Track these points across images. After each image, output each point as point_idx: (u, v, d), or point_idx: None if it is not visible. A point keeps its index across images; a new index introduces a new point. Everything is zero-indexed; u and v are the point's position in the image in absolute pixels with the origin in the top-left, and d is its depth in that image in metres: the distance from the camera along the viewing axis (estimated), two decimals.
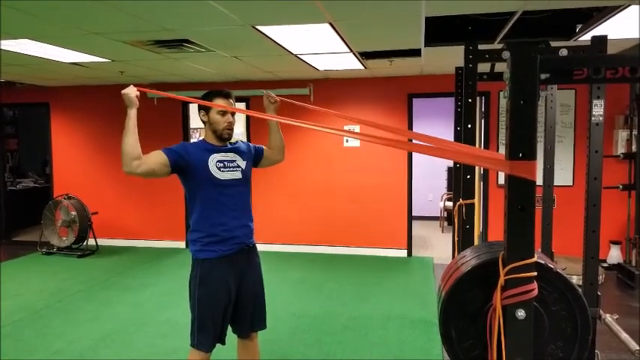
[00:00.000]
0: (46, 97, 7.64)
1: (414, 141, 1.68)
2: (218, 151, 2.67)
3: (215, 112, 2.63)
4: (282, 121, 2.09)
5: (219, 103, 2.63)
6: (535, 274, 1.24)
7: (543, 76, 1.24)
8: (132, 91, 2.45)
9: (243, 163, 2.75)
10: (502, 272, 1.25)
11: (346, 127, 6.76)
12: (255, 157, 2.90)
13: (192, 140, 7.68)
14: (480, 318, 1.38)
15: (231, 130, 2.68)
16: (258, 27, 3.65)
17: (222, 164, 2.65)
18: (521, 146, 1.21)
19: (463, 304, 1.40)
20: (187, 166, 2.58)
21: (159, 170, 2.51)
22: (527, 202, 1.22)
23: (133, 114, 2.44)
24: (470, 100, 2.87)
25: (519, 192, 1.23)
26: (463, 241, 3.02)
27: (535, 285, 1.24)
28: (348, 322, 4.37)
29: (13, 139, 9.59)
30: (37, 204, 7.60)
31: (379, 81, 6.67)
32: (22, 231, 8.38)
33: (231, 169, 2.68)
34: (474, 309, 1.39)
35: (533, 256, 1.24)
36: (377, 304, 4.87)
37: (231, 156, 2.70)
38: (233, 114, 2.68)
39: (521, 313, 1.24)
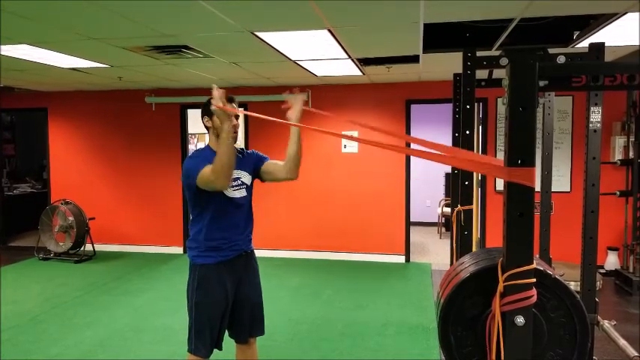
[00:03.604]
0: (44, 102, 7.63)
1: (412, 146, 1.68)
2: None
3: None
4: (299, 126, 2.01)
5: None
6: (534, 280, 1.24)
7: (542, 83, 1.25)
8: (221, 102, 2.33)
9: (247, 179, 2.73)
10: (501, 279, 1.25)
11: (344, 133, 6.76)
12: (254, 168, 2.78)
13: (190, 146, 7.67)
14: (479, 324, 1.38)
15: (235, 134, 2.65)
16: (257, 33, 3.66)
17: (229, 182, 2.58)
18: (520, 153, 1.21)
19: (462, 311, 1.40)
20: None
21: None
22: (526, 209, 1.23)
23: (227, 127, 2.36)
24: (468, 107, 2.88)
25: (518, 198, 1.23)
26: (461, 247, 3.02)
27: (534, 291, 1.24)
28: (345, 328, 4.36)
29: (11, 145, 9.57)
30: (34, 209, 7.58)
31: (377, 87, 6.69)
32: (19, 236, 8.35)
33: (236, 187, 2.66)
34: (472, 315, 1.39)
35: (532, 263, 1.24)
36: (375, 310, 4.86)
37: (236, 173, 2.65)
38: (237, 118, 2.67)
39: (520, 320, 1.24)
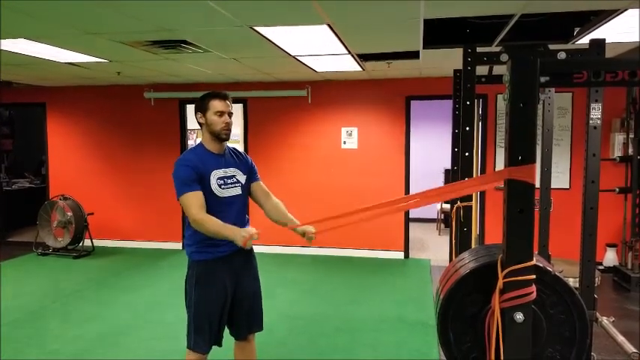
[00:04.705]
0: (43, 97, 7.60)
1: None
2: (218, 167, 2.63)
3: (212, 113, 2.60)
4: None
5: (216, 104, 2.60)
6: (534, 277, 1.24)
7: (543, 79, 1.24)
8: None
9: (243, 178, 2.73)
10: (501, 275, 1.25)
11: (344, 129, 6.78)
12: (248, 173, 2.81)
13: (189, 142, 7.65)
14: (479, 321, 1.37)
15: (229, 130, 2.65)
16: (257, 28, 3.65)
17: (222, 181, 2.61)
18: (521, 149, 1.21)
19: (461, 307, 1.40)
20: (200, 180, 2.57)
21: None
22: (526, 205, 1.22)
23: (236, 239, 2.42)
24: (468, 103, 2.87)
25: (518, 195, 1.22)
26: (461, 243, 3.02)
27: (534, 288, 1.24)
28: (343, 324, 4.36)
29: (9, 140, 9.54)
30: (32, 204, 7.55)
31: (377, 83, 6.68)
32: (18, 232, 8.33)
33: (230, 185, 2.65)
34: (472, 312, 1.39)
35: (532, 259, 1.23)
36: (374, 306, 4.87)
37: (230, 171, 2.67)
38: (230, 114, 2.66)
39: (519, 316, 1.24)
